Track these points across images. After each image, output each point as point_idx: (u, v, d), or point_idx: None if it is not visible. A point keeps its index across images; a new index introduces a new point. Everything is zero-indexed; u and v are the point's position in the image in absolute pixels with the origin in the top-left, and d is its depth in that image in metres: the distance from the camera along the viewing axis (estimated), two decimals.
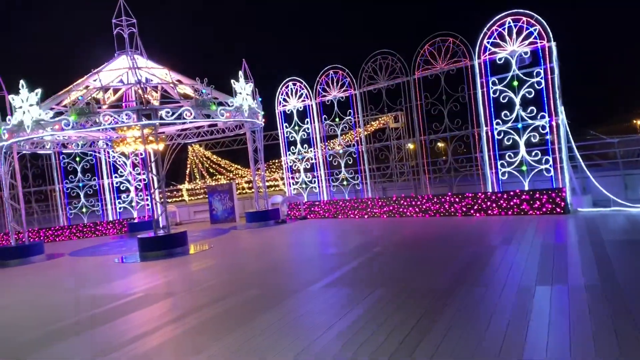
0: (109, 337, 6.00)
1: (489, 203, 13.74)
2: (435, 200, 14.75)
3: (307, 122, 18.04)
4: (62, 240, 20.33)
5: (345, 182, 17.11)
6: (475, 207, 13.97)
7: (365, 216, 16.14)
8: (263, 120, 16.78)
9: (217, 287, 8.28)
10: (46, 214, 21.43)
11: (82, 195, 20.95)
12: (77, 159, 20.94)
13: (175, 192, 27.79)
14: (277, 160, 25.93)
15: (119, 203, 21.47)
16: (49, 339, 6.23)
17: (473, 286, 6.45)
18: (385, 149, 16.41)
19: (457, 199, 14.32)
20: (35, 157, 20.76)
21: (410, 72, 15.05)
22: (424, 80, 14.89)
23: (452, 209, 14.38)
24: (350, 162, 17.11)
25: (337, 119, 17.10)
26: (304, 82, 17.96)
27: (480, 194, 13.97)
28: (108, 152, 20.52)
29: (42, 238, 20.24)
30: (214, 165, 32.74)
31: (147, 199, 20.49)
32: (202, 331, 5.79)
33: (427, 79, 14.82)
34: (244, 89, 15.27)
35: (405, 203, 15.36)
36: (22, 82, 12.75)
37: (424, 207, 14.96)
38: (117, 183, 21.29)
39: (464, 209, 14.12)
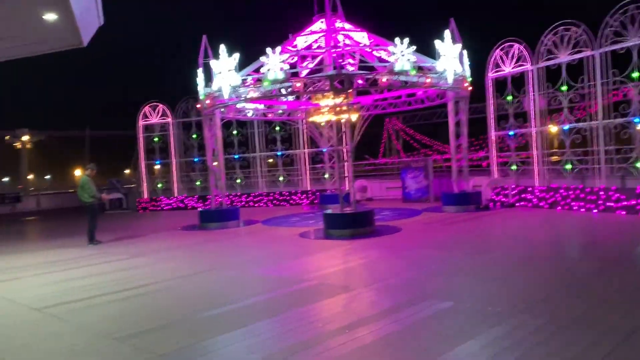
0: (265, 337, 4.89)
1: None
2: None
3: (523, 91, 15.13)
4: (260, 206, 20.96)
5: (568, 166, 13.90)
6: None
7: (595, 210, 12.87)
8: (469, 88, 14.48)
9: (400, 288, 6.70)
10: (248, 180, 22.33)
11: (280, 164, 21.28)
12: (277, 128, 21.23)
13: (367, 166, 27.05)
14: (481, 137, 23.23)
15: (314, 174, 21.32)
16: (215, 324, 5.40)
17: None
18: (628, 126, 12.70)
19: None
20: (241, 125, 21.64)
21: None
22: None
23: None
24: (578, 142, 13.80)
25: (563, 87, 13.88)
26: (523, 43, 15.00)
27: None
28: (305, 122, 20.34)
29: (242, 203, 21.16)
30: (410, 140, 31.12)
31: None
32: (374, 355, 4.28)
33: None
34: (449, 51, 13.21)
35: None
36: (222, 46, 12.65)
37: None
38: (311, 154, 21.11)
39: None
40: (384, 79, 12.36)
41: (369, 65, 14.61)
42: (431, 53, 13.65)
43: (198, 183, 22.66)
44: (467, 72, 14.27)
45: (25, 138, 52.70)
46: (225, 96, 12.73)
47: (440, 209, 15.40)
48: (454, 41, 13.61)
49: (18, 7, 7.86)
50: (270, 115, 18.96)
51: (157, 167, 23.37)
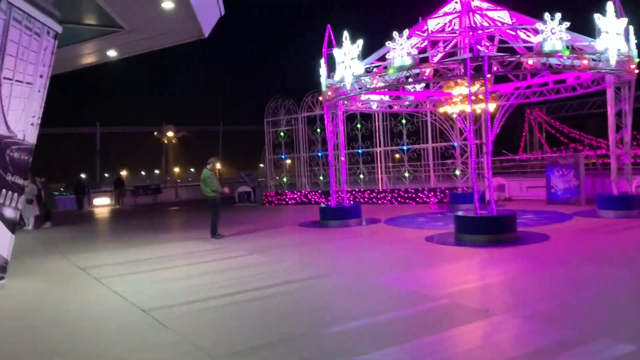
0: None
1: None
2: None
3: None
4: (384, 204, 19.93)
5: None
6: None
7: None
8: (636, 71, 12.08)
9: (555, 317, 5.27)
10: (372, 176, 21.38)
11: (405, 159, 20.03)
12: (403, 121, 20.00)
13: (506, 163, 24.66)
14: None
15: (442, 170, 19.76)
16: (337, 344, 4.54)
17: None
18: None
19: None
20: (365, 118, 20.75)
21: None
22: None
23: None
24: None
25: None
26: None
27: None
28: (434, 114, 18.85)
29: (365, 200, 20.29)
30: (556, 133, 27.82)
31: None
32: None
33: None
34: (612, 26, 11.05)
35: None
36: (345, 33, 11.81)
37: None
38: (441, 148, 19.57)
39: None
40: (530, 62, 10.63)
41: (509, 47, 12.87)
42: (587, 31, 11.61)
43: (321, 178, 22.24)
44: (634, 52, 11.90)
45: (170, 134, 57.26)
46: (348, 87, 11.88)
47: (595, 214, 13.13)
48: (618, 15, 11.40)
49: None
50: (396, 107, 17.78)
51: (286, 161, 23.39)
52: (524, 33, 12.84)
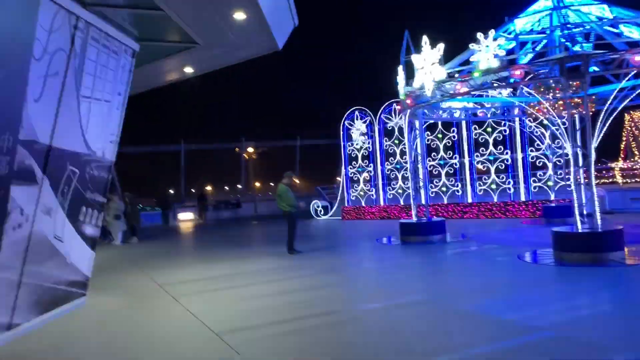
0: None
1: None
2: None
3: None
4: (470, 217, 18.81)
5: None
6: None
7: None
8: None
9: None
10: (455, 189, 20.28)
11: (492, 170, 18.82)
12: (489, 129, 18.84)
13: (604, 172, 22.59)
14: None
15: (534, 182, 18.35)
16: None
17: None
18: None
19: None
20: (447, 127, 19.80)
21: None
22: None
23: None
24: None
25: None
26: None
27: None
28: (523, 121, 17.58)
29: (449, 214, 19.28)
30: None
31: (568, 179, 16.63)
32: None
33: None
34: None
35: None
36: (424, 38, 11.16)
37: None
38: (532, 158, 18.19)
39: None
40: (637, 58, 9.43)
41: (606, 43, 11.63)
42: None
43: (401, 192, 21.45)
44: None
45: (250, 150, 58.64)
46: (428, 94, 11.18)
47: None
48: None
49: (208, 7, 7.53)
50: (481, 114, 16.73)
51: (363, 174, 22.82)
52: (629, 27, 11.53)
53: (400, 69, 12.72)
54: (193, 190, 36.03)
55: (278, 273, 9.83)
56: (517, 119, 17.61)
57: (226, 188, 56.33)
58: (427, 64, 11.18)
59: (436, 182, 20.14)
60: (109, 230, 18.39)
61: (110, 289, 9.47)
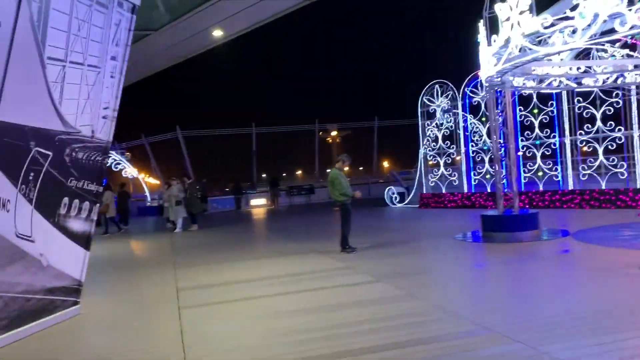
0: None
1: None
2: None
3: None
4: (571, 207, 15.77)
5: None
6: None
7: None
8: None
9: None
10: (554, 173, 17.15)
11: (600, 151, 15.59)
12: (597, 101, 15.59)
13: None
14: None
15: None
16: None
17: None
18: None
19: None
20: (543, 100, 16.74)
21: None
22: None
23: None
24: None
25: None
26: None
27: None
28: None
29: (545, 204, 16.35)
30: None
31: None
32: None
33: None
34: None
35: None
36: None
37: None
38: None
39: None
40: None
41: None
42: None
43: (487, 177, 18.67)
44: None
45: (334, 133, 57.17)
46: (515, 52, 8.69)
47: None
48: None
49: None
50: (586, 82, 13.60)
51: (445, 156, 20.23)
52: None
53: (481, 24, 10.23)
54: (264, 176, 35.15)
55: (323, 278, 7.98)
56: (633, 87, 14.29)
57: (298, 173, 55.35)
58: (515, 13, 8.67)
59: (530, 165, 17.18)
60: (100, 219, 18.02)
61: (120, 292, 8.17)
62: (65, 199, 6.22)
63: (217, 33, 8.97)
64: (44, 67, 5.54)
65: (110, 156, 30.41)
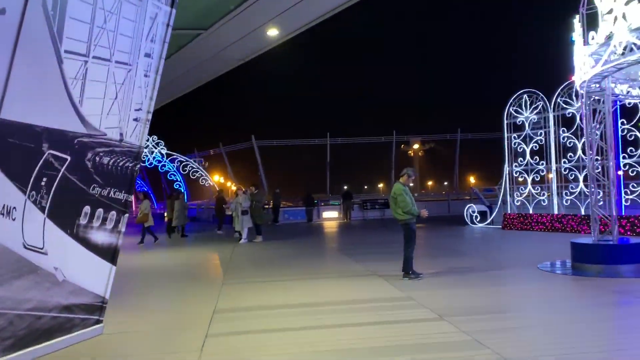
0: None
1: None
2: None
3: None
4: None
5: None
6: None
7: None
8: None
9: None
10: None
11: None
12: None
13: None
14: None
15: None
16: None
17: None
18: None
19: None
20: None
21: None
22: None
23: None
24: None
25: None
26: None
27: None
28: None
29: None
30: None
31: None
32: None
33: None
34: None
35: None
36: None
37: None
38: None
39: None
40: None
41: None
42: None
43: (581, 197, 16.56)
44: None
45: (416, 146, 55.54)
46: (619, 51, 7.20)
47: None
48: None
49: None
50: None
51: (530, 173, 18.33)
52: None
53: (576, 20, 8.75)
54: (346, 187, 34.41)
55: (374, 310, 6.93)
56: None
57: (380, 186, 54.07)
58: (619, 4, 7.20)
59: (633, 186, 14.99)
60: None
61: (153, 310, 7.58)
62: (87, 208, 5.67)
63: (272, 32, 8.27)
64: (60, 61, 5.01)
65: (189, 163, 31.14)
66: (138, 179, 44.89)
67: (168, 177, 32.32)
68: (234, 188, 32.65)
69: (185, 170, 31.16)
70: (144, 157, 31.06)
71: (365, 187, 53.21)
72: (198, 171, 30.92)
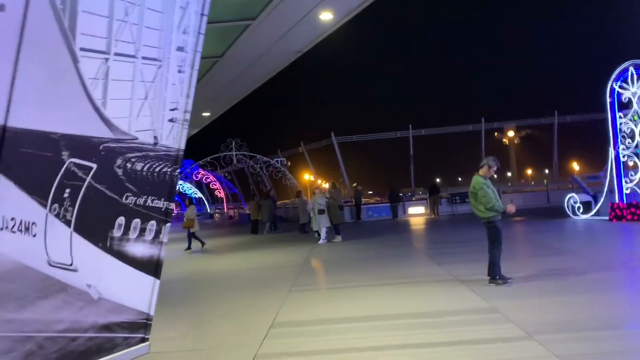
0: None
1: None
2: None
3: None
4: None
5: None
6: None
7: None
8: None
9: None
10: None
11: None
12: None
13: None
14: None
15: None
16: None
17: None
18: None
19: None
20: None
21: None
22: None
23: None
24: None
25: None
26: None
27: None
28: None
29: None
30: None
31: None
32: None
33: None
34: None
35: None
36: None
37: None
38: None
39: None
40: None
41: None
42: None
43: None
44: None
45: (511, 134, 52.29)
46: None
47: None
48: None
49: None
50: None
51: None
52: None
53: None
54: (438, 180, 32.89)
55: (452, 326, 5.94)
56: None
57: (460, 178, 51.45)
58: None
59: None
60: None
61: (206, 323, 7.13)
62: (121, 219, 5.21)
63: (326, 16, 7.49)
64: (75, 60, 4.56)
65: (272, 164, 31.26)
66: (226, 182, 46.15)
67: (253, 178, 32.75)
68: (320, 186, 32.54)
69: (269, 170, 31.32)
70: (229, 159, 31.67)
71: (460, 179, 50.79)
72: (281, 171, 30.94)
